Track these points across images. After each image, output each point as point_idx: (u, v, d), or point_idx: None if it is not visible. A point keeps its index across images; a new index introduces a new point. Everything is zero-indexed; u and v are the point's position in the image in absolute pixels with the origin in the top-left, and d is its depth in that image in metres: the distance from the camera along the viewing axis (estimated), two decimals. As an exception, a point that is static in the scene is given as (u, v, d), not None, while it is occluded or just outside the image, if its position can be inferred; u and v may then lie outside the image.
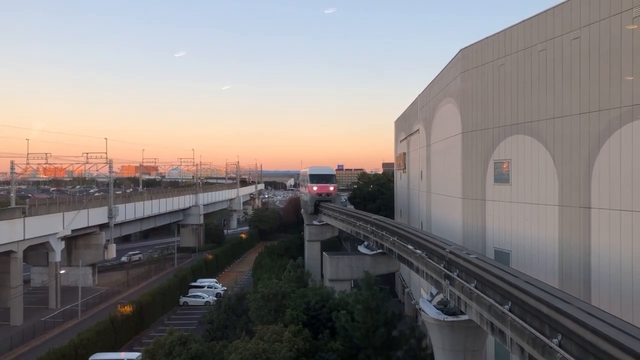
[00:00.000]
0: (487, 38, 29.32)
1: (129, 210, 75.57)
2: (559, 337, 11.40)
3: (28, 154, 69.30)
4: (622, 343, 9.30)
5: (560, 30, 23.15)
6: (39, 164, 72.55)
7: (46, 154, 70.26)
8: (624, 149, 19.68)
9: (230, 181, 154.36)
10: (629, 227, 19.25)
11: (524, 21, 25.91)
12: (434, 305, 21.04)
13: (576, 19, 22.12)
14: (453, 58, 34.35)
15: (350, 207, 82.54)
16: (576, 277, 22.25)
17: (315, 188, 64.43)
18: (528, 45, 25.56)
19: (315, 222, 66.41)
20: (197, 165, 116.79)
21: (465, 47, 31.62)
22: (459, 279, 18.55)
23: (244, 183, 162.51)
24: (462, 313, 19.08)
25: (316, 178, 65.50)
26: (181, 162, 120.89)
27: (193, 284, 64.96)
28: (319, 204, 64.79)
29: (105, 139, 72.66)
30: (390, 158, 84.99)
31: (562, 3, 22.98)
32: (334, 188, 66.07)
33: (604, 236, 20.65)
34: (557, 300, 12.46)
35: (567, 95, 22.79)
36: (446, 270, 20.25)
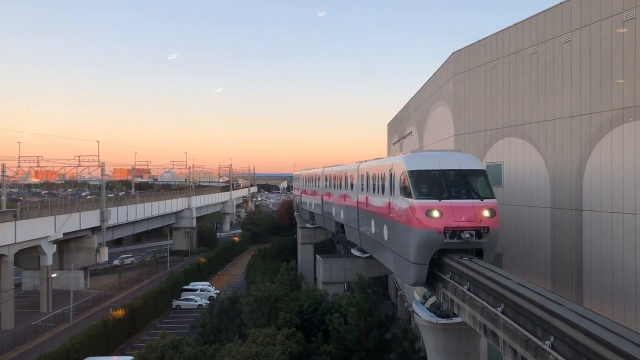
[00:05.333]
0: (479, 41, 29.45)
1: (121, 214, 75.22)
2: (552, 339, 11.43)
3: (20, 157, 69.09)
4: (614, 345, 9.35)
5: (551, 33, 23.30)
6: (30, 167, 72.22)
7: (38, 157, 70.11)
8: (615, 151, 19.81)
9: (224, 184, 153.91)
10: (621, 229, 19.36)
11: (515, 24, 26.05)
12: (427, 308, 21.05)
13: (567, 22, 22.27)
14: (445, 61, 34.49)
15: None
16: (568, 280, 22.34)
17: (436, 214, 19.37)
18: (520, 48, 25.70)
19: (308, 225, 65.78)
20: (190, 168, 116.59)
21: (458, 51, 31.76)
22: (452, 281, 18.57)
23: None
24: (456, 316, 19.09)
25: (430, 182, 20.74)
26: (174, 165, 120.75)
27: (186, 287, 64.71)
28: (442, 258, 19.69)
29: (98, 142, 72.61)
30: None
31: (554, 7, 23.14)
32: (494, 211, 19.79)
33: (596, 238, 20.75)
34: (550, 302, 12.50)
35: (559, 98, 22.92)
36: (439, 273, 20.27)
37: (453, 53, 32.42)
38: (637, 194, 18.59)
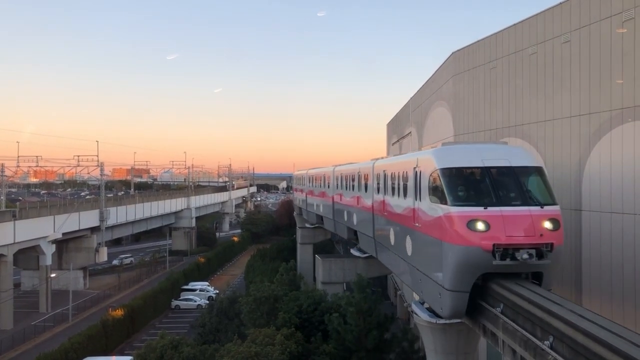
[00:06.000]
0: (478, 41, 29.46)
1: (120, 213, 75.18)
2: (551, 339, 11.43)
3: (18, 156, 69.09)
4: (613, 345, 9.36)
5: (551, 33, 23.31)
6: (29, 166, 72.31)
7: (37, 156, 70.13)
8: (614, 151, 19.82)
9: (222, 184, 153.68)
10: (620, 229, 19.37)
11: (515, 24, 26.07)
12: (426, 308, 21.04)
13: (567, 22, 22.28)
14: (445, 61, 34.50)
15: None
16: (567, 280, 22.35)
17: (480, 225, 14.83)
18: (519, 48, 25.71)
19: (307, 225, 65.77)
20: (189, 168, 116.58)
21: (457, 50, 31.77)
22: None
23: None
24: (455, 315, 19.06)
25: (470, 183, 16.39)
26: (173, 164, 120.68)
27: (185, 287, 64.70)
28: (489, 284, 15.35)
29: (97, 141, 72.54)
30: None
31: (553, 7, 23.15)
32: (558, 222, 15.23)
33: (595, 238, 20.76)
34: (549, 302, 12.51)
35: (558, 98, 22.93)
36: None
37: (452, 53, 32.43)
38: (636, 194, 18.60)
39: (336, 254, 64.52)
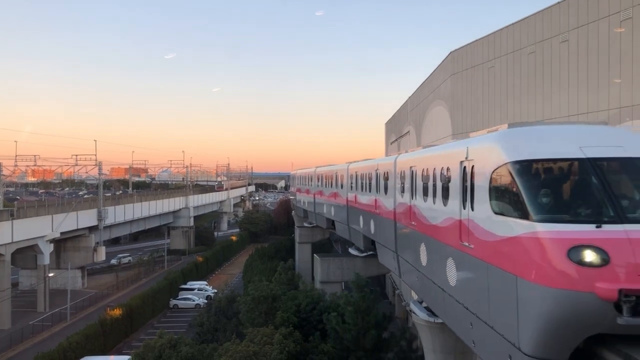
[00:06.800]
0: (476, 40, 29.50)
1: (118, 213, 75.07)
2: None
3: (16, 155, 68.99)
4: (612, 344, 9.36)
5: (549, 33, 23.34)
6: (27, 166, 72.19)
7: (35, 155, 70.04)
8: (612, 151, 19.85)
9: (220, 183, 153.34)
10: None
11: (513, 24, 26.10)
12: (424, 307, 21.06)
13: (565, 21, 22.31)
14: (443, 60, 34.52)
15: None
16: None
17: (591, 256, 8.35)
18: (517, 47, 25.74)
19: (306, 224, 65.71)
20: (187, 167, 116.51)
21: (455, 50, 31.80)
22: None
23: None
24: (453, 314, 18.99)
25: (565, 184, 9.66)
26: (171, 164, 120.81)
27: (183, 286, 64.68)
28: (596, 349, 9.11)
29: (95, 140, 72.79)
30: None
31: (551, 6, 23.19)
32: None
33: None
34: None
35: (556, 97, 22.96)
36: None
37: (450, 52, 32.47)
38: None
39: (334, 253, 64.56)
